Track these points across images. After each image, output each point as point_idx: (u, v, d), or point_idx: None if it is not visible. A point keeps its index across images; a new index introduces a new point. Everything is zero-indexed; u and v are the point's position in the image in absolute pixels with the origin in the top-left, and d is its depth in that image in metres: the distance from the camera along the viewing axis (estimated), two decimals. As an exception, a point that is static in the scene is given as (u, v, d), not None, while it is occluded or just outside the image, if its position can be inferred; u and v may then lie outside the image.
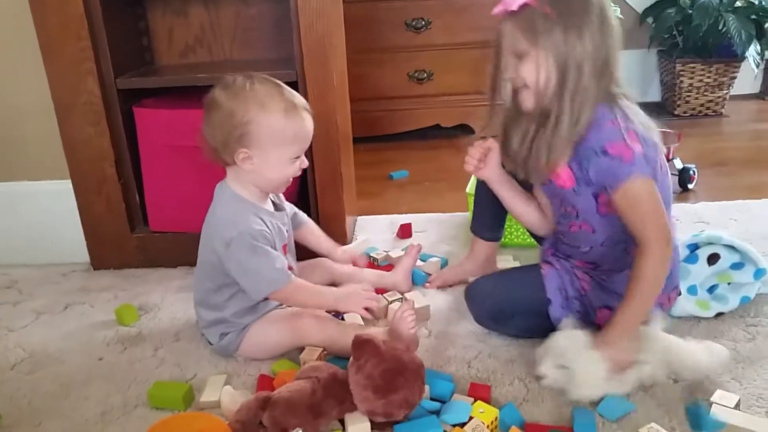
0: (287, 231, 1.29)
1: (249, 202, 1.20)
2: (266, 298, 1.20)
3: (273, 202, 1.29)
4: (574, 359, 1.04)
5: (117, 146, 1.57)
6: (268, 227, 1.19)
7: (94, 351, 1.30)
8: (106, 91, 1.52)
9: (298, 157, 1.19)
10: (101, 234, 1.64)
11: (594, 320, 1.18)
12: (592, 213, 1.14)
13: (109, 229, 1.63)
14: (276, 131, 1.13)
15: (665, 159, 1.14)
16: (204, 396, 1.11)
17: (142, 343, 1.32)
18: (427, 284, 1.47)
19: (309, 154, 1.54)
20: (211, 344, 1.26)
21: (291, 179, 1.22)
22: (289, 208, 1.36)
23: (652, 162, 1.07)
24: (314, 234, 1.43)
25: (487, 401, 1.06)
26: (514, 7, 1.04)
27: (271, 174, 1.18)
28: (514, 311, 1.21)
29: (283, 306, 1.27)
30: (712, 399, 1.01)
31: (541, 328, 1.18)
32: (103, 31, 1.47)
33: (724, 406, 1.00)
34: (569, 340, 1.07)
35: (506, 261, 1.54)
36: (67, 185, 1.60)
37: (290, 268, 1.30)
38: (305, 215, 1.43)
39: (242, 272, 1.15)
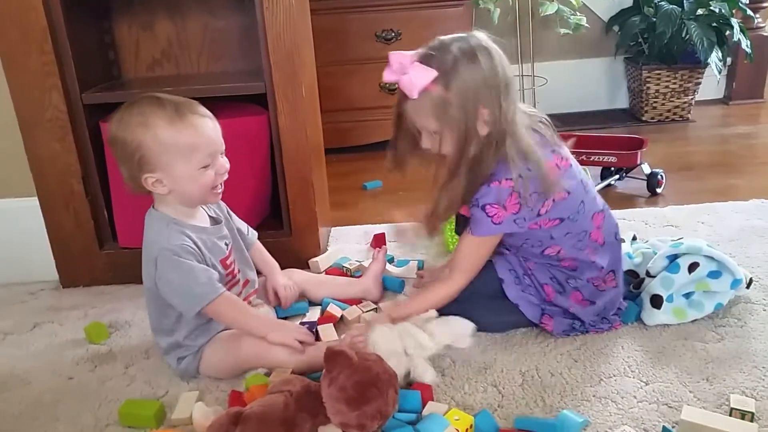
0: (227, 244, 1.26)
1: (174, 219, 1.17)
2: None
3: (211, 216, 1.27)
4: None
5: (84, 162, 1.54)
6: (195, 243, 1.16)
7: (63, 370, 1.28)
8: (71, 106, 1.49)
9: (207, 165, 1.13)
10: (70, 251, 1.61)
11: (543, 297, 1.27)
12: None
13: (77, 246, 1.60)
14: (168, 145, 1.09)
15: (583, 180, 1.25)
16: (176, 413, 1.09)
17: (112, 361, 1.30)
18: (418, 282, 1.50)
19: (281, 166, 1.54)
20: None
21: (218, 187, 1.17)
22: (241, 224, 1.35)
23: (523, 220, 1.18)
24: (259, 253, 1.41)
25: (431, 399, 1.09)
26: (416, 96, 1.08)
27: (187, 188, 1.13)
28: (475, 298, 1.26)
29: None
30: (732, 405, 1.01)
31: (505, 310, 1.27)
32: (67, 45, 1.46)
33: (741, 410, 1.00)
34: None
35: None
36: (33, 202, 1.57)
37: (247, 282, 1.30)
38: (255, 235, 1.40)
39: (172, 290, 1.13)
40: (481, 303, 1.27)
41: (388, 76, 1.11)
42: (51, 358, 1.32)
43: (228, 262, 1.25)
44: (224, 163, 1.16)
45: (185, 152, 1.10)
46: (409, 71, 1.08)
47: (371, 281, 1.45)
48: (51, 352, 1.35)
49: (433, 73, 1.07)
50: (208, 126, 1.13)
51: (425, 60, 1.09)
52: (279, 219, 1.62)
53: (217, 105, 1.57)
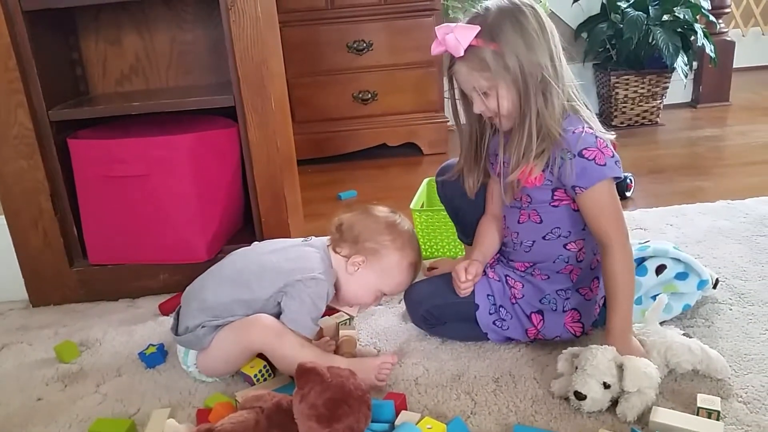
0: None
1: (332, 276, 1.27)
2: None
3: None
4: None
5: (52, 179, 1.53)
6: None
7: (32, 391, 1.26)
8: (38, 124, 1.48)
9: (381, 295, 1.32)
10: (39, 270, 1.59)
11: (527, 328, 1.25)
12: (545, 204, 1.19)
13: (47, 264, 1.58)
14: (391, 269, 1.28)
15: None
16: (147, 431, 1.08)
17: (83, 379, 1.28)
18: (427, 272, 1.51)
19: (251, 179, 1.55)
20: (177, 335, 1.22)
21: (353, 305, 1.36)
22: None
23: (618, 164, 1.13)
24: None
25: (404, 408, 1.10)
26: (461, 53, 1.10)
27: (358, 288, 1.29)
28: (445, 318, 1.29)
29: None
30: (698, 404, 1.03)
31: (473, 334, 1.28)
32: (32, 62, 1.45)
33: (708, 409, 1.02)
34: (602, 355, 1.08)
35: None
36: (0, 221, 1.55)
37: None
38: None
39: (297, 308, 1.19)
40: (451, 325, 1.29)
41: (435, 48, 1.14)
42: (20, 379, 1.30)
43: None
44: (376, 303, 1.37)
45: (390, 280, 1.29)
46: (452, 31, 1.10)
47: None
48: (20, 372, 1.33)
49: (475, 29, 1.09)
50: (411, 281, 1.33)
51: (469, 21, 1.12)
52: (251, 231, 1.61)
53: (186, 118, 1.58)
